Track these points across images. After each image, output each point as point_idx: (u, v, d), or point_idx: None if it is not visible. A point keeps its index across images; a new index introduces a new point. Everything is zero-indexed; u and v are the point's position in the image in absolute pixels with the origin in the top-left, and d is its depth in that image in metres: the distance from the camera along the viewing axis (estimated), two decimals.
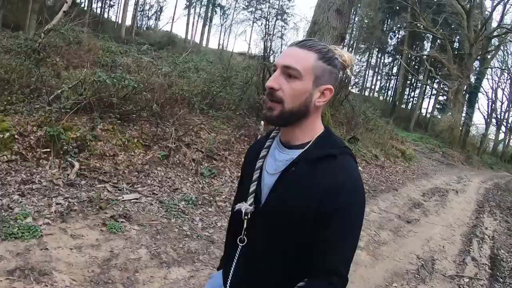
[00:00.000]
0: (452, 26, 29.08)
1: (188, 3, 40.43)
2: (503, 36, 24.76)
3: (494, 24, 25.44)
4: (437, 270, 4.26)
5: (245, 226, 1.24)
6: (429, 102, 40.91)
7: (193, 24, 39.54)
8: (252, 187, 1.24)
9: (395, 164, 11.10)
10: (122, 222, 3.85)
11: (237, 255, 1.27)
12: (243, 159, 1.51)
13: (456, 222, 6.65)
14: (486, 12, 25.82)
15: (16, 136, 4.89)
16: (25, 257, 3.01)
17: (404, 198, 7.51)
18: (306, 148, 1.18)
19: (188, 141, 6.12)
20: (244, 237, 1.25)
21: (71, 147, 5.08)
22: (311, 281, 1.08)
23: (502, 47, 27.96)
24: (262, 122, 6.89)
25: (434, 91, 36.98)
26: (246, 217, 1.23)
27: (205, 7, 38.86)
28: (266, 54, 9.19)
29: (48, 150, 4.92)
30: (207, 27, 41.39)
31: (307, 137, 1.20)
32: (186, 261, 3.44)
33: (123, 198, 4.37)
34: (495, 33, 24.60)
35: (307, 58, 1.13)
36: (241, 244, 1.25)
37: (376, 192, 7.31)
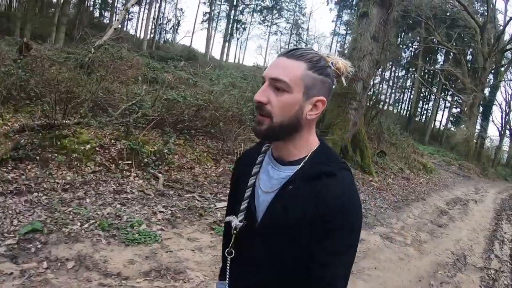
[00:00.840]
0: (465, 39, 30.16)
1: (204, 17, 42.16)
2: None
3: (507, 37, 26.45)
4: (469, 263, 5.32)
5: (232, 240, 1.25)
6: (442, 115, 41.92)
7: (211, 38, 41.13)
8: (244, 205, 1.24)
9: (418, 177, 12.17)
10: None
11: (228, 268, 1.29)
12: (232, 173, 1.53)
13: (479, 227, 7.69)
14: (499, 25, 26.95)
15: (97, 148, 5.54)
16: (155, 259, 3.46)
17: (432, 206, 8.57)
18: (302, 164, 1.16)
19: None
20: (232, 249, 1.26)
21: (151, 159, 5.92)
22: None
23: None
24: None
25: (448, 104, 37.99)
26: (234, 231, 1.24)
27: (226, 23, 40.44)
28: None
29: (130, 162, 5.65)
30: (227, 42, 42.83)
31: (302, 152, 1.18)
32: None
33: (216, 206, 5.20)
34: (508, 46, 25.63)
35: (296, 68, 1.10)
36: (229, 257, 1.27)
37: (408, 201, 8.40)
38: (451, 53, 29.35)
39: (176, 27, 41.62)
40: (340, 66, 1.15)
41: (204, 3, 42.70)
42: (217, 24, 43.03)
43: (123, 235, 3.77)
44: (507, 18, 24.77)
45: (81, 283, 2.94)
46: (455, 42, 27.23)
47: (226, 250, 1.27)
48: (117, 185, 5.07)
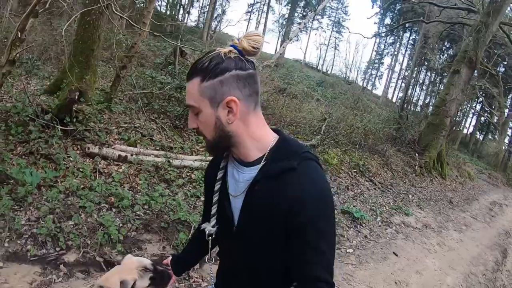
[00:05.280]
0: (499, 59, 35.36)
1: (249, 9, 47.16)
2: None
3: None
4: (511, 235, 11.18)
5: (210, 247, 1.43)
6: (470, 122, 47.75)
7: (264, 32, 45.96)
8: (213, 209, 1.39)
9: (467, 183, 18.04)
10: None
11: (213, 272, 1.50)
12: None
13: None
14: None
15: (338, 163, 10.72)
16: None
17: (482, 205, 14.40)
18: (263, 163, 1.25)
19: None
20: (212, 257, 1.44)
21: (367, 170, 11.47)
22: None
23: None
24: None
25: (475, 112, 43.74)
26: (209, 238, 1.40)
27: (286, 22, 45.48)
28: (404, 104, 16.17)
29: (355, 170, 11.04)
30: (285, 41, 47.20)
31: (258, 151, 1.27)
32: None
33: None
34: None
35: (193, 88, 1.19)
36: (210, 263, 1.45)
37: (469, 199, 14.28)
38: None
39: (221, 17, 45.83)
40: (245, 46, 1.17)
41: None
42: (260, 15, 48.16)
43: None
44: None
45: None
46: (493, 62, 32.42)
47: (207, 257, 1.45)
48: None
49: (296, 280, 1.20)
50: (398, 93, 51.78)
